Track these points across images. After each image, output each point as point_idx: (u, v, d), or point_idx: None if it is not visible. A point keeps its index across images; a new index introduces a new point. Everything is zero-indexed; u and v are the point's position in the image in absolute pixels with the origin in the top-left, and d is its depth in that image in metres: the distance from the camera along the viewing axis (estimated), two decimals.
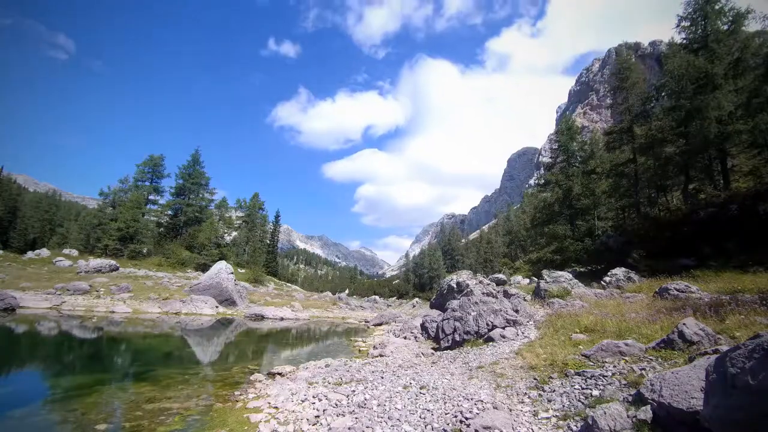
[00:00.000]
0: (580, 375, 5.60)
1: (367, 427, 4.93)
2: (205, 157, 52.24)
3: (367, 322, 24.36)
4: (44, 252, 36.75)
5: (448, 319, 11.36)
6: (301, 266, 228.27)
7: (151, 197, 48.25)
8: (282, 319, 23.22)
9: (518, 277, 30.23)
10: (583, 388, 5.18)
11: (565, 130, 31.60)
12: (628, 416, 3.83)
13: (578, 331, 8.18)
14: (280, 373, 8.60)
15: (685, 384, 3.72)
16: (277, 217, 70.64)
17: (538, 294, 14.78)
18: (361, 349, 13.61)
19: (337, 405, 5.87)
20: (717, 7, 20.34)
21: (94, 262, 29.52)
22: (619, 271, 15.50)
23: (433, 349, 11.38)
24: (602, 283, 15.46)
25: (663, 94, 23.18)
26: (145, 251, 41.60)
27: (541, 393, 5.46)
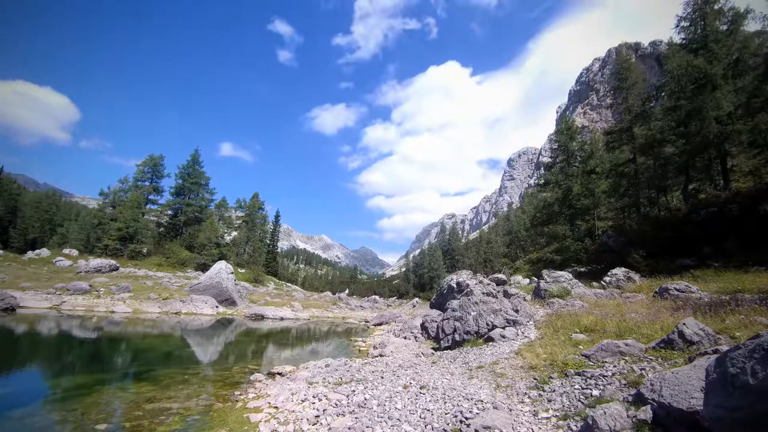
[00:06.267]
0: (580, 375, 5.60)
1: (367, 426, 4.93)
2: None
3: (367, 322, 24.36)
4: (44, 252, 36.78)
5: (448, 319, 11.37)
6: (301, 266, 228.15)
7: (151, 197, 48.29)
8: (282, 318, 23.23)
9: (518, 277, 30.17)
10: (583, 388, 5.18)
11: (564, 130, 31.57)
12: (628, 416, 3.83)
13: (578, 331, 8.18)
14: (280, 373, 8.60)
15: (685, 384, 3.72)
16: (277, 216, 70.72)
17: (538, 294, 14.75)
18: (361, 349, 13.62)
19: (337, 405, 5.87)
20: (716, 8, 20.34)
21: (94, 262, 29.53)
22: (619, 271, 15.49)
23: (433, 349, 11.38)
24: (602, 283, 15.45)
25: (663, 94, 23.17)
26: (145, 251, 41.63)
27: (541, 393, 5.46)
